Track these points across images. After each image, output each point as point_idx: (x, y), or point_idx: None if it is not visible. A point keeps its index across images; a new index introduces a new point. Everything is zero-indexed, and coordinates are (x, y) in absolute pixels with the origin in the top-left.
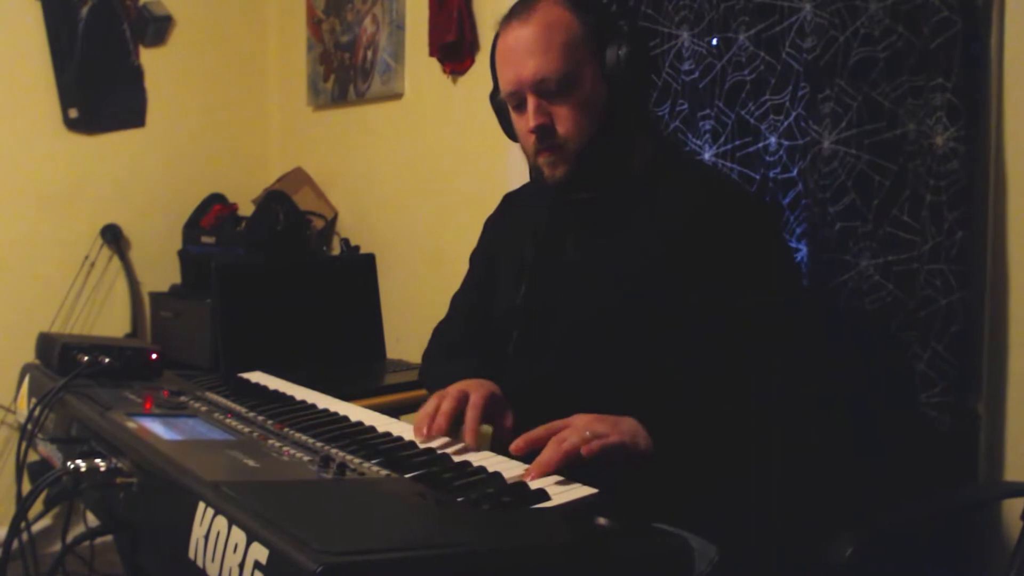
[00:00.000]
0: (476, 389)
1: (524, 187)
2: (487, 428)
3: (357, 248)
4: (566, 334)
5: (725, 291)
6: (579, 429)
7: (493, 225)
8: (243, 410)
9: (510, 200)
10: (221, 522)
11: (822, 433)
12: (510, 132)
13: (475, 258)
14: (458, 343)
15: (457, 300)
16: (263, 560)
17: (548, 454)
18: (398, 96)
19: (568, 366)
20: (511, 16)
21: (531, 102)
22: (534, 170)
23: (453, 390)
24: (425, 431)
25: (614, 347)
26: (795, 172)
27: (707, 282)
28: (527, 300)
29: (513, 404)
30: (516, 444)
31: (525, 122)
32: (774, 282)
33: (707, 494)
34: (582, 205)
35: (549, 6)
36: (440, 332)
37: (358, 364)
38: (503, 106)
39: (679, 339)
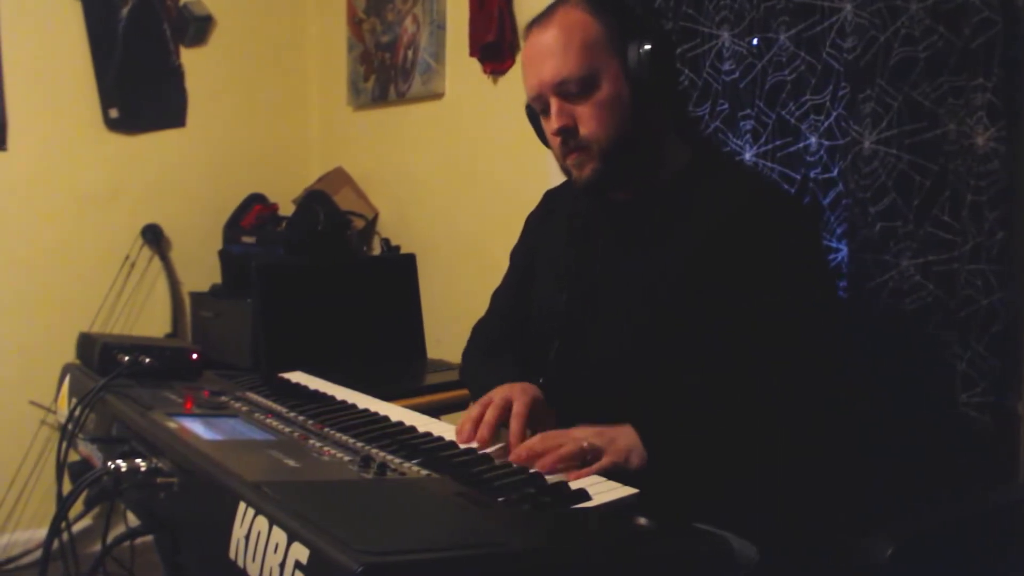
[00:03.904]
0: (519, 396)
1: (565, 184)
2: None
3: (398, 248)
4: (605, 341)
5: (757, 296)
6: (578, 441)
7: (534, 222)
8: (283, 410)
9: (551, 197)
10: (262, 522)
11: (825, 441)
12: (545, 141)
13: (516, 255)
14: (498, 341)
15: (497, 297)
16: (304, 560)
17: (544, 461)
18: (439, 96)
19: (608, 373)
20: (532, 23)
21: (553, 104)
22: (565, 172)
23: (498, 398)
24: (467, 437)
25: (653, 354)
26: (836, 172)
27: (742, 286)
28: (569, 305)
29: (554, 407)
30: (517, 454)
31: (550, 126)
32: (804, 288)
33: (711, 496)
34: (619, 208)
35: (568, 10)
36: (480, 330)
37: (398, 364)
38: (536, 114)
39: (716, 346)
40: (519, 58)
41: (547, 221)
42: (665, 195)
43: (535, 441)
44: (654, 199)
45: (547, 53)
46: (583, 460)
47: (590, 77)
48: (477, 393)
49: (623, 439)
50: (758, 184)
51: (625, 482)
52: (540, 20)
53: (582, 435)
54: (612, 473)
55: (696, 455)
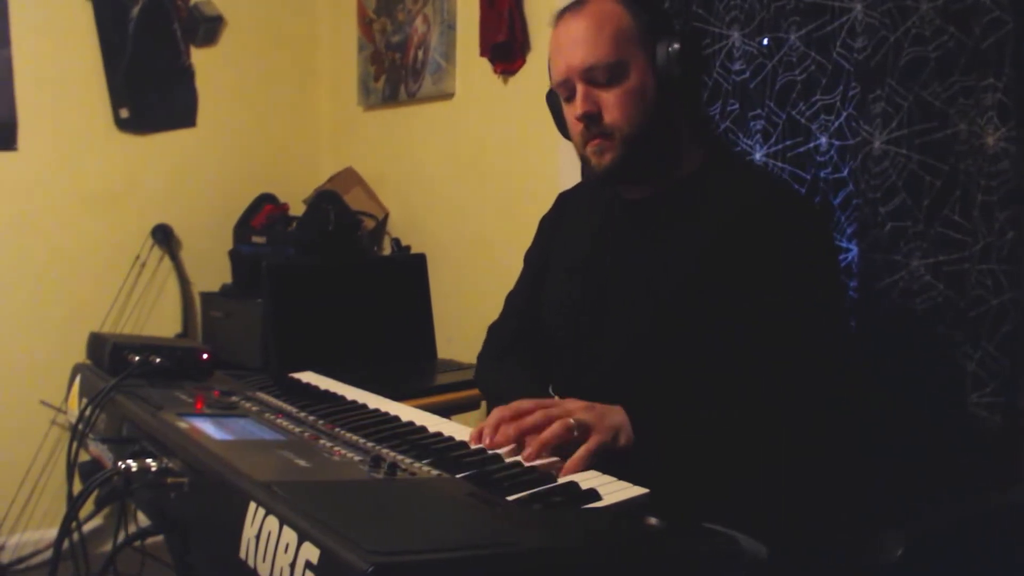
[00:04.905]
0: None
1: (578, 187)
2: None
3: (408, 248)
4: (616, 338)
5: (762, 295)
6: (566, 415)
7: (548, 225)
8: (294, 410)
9: (564, 200)
10: (272, 522)
11: (826, 442)
12: (564, 129)
13: (530, 257)
14: (512, 344)
15: (512, 299)
16: (314, 560)
17: (528, 452)
18: (449, 96)
19: (618, 371)
20: (565, 10)
21: (580, 90)
22: (583, 161)
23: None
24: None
25: (662, 351)
26: (846, 172)
27: (750, 285)
28: (579, 304)
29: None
30: (495, 438)
31: (574, 111)
32: (809, 288)
33: (716, 495)
34: (634, 206)
35: (601, 0)
36: (495, 332)
37: (409, 364)
38: (557, 103)
39: (723, 344)
40: (529, 58)
41: (560, 223)
42: (679, 193)
43: (528, 420)
44: (668, 197)
45: (578, 39)
46: (570, 439)
47: (619, 66)
48: (490, 398)
49: (612, 416)
50: (769, 184)
51: (634, 481)
52: (573, 8)
53: (573, 407)
54: (612, 468)
55: (684, 443)
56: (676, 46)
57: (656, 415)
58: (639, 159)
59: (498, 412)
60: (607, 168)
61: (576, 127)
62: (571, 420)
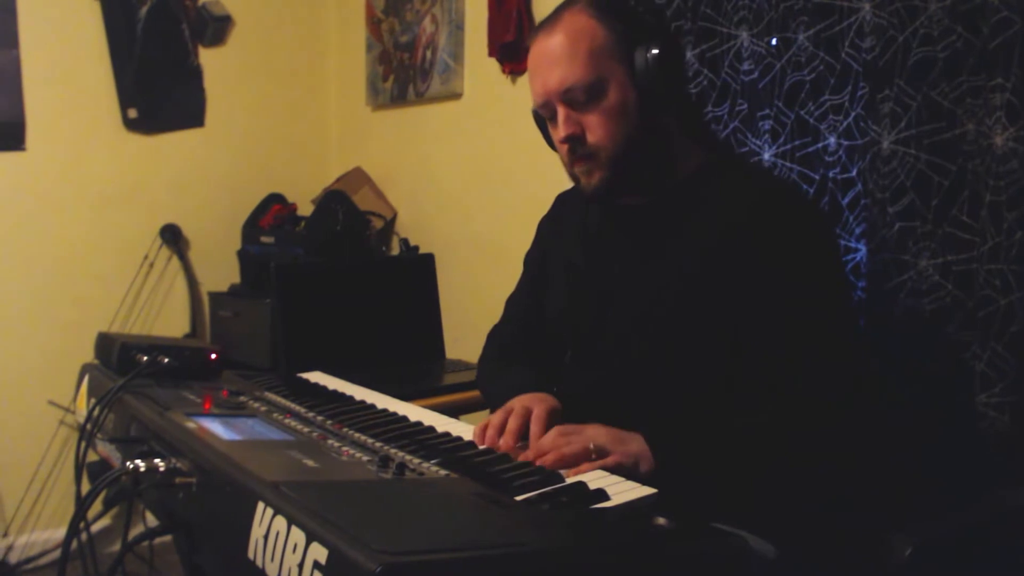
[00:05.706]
0: (539, 404)
1: (576, 187)
2: None
3: (416, 248)
4: (617, 344)
5: (765, 300)
6: (586, 440)
7: (546, 226)
8: (302, 410)
9: (562, 201)
10: (280, 522)
11: (844, 454)
12: (552, 145)
13: (529, 260)
14: (513, 347)
15: (512, 302)
16: (322, 560)
17: (547, 459)
18: (457, 96)
19: (620, 376)
20: (538, 28)
21: (560, 112)
22: (573, 180)
23: (519, 407)
24: (490, 442)
25: (665, 358)
26: (854, 172)
27: (751, 290)
28: (580, 310)
29: (568, 413)
30: (526, 455)
31: (557, 133)
32: (811, 291)
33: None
34: (631, 212)
35: (574, 15)
36: (495, 336)
37: (417, 364)
38: (543, 120)
39: (730, 348)
40: None
41: (558, 225)
42: (676, 199)
43: (547, 439)
44: (665, 202)
45: (553, 60)
46: (587, 458)
47: (597, 84)
48: (492, 400)
49: (634, 445)
50: (768, 184)
51: (643, 482)
52: (546, 25)
53: (594, 434)
54: (621, 473)
55: (707, 471)
56: (654, 51)
57: (677, 441)
58: (628, 175)
59: (502, 414)
60: (596, 188)
61: (562, 149)
62: (591, 445)
